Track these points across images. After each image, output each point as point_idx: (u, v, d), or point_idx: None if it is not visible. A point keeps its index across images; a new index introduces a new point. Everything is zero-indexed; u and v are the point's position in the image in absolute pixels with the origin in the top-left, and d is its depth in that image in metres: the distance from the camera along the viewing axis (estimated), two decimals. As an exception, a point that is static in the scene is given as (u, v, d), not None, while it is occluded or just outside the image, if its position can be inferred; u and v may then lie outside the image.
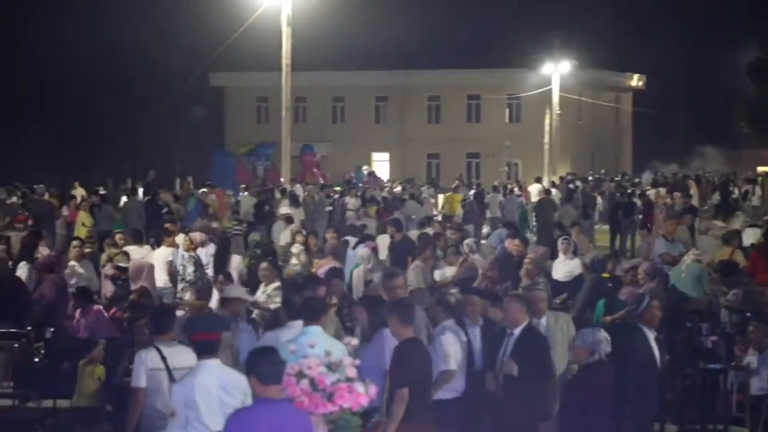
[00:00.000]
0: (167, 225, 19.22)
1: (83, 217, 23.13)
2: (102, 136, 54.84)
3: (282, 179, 36.03)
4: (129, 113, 54.23)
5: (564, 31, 53.81)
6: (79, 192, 32.38)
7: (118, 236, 18.28)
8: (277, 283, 14.12)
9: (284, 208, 26.45)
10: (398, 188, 39.64)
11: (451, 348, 10.07)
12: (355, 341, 8.62)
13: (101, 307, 13.67)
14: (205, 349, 7.76)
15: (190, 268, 16.16)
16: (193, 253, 16.48)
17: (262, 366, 6.90)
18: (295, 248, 18.79)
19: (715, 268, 16.16)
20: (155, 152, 52.52)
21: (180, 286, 16.21)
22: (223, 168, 40.30)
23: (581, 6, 61.63)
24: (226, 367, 7.83)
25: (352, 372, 7.90)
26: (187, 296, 15.67)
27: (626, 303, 12.85)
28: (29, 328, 13.91)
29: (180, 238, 17.48)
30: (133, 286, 14.90)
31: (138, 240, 18.50)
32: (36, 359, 12.88)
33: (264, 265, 14.97)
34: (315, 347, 7.93)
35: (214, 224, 23.09)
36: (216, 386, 7.65)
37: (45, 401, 11.95)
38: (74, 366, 12.07)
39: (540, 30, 53.30)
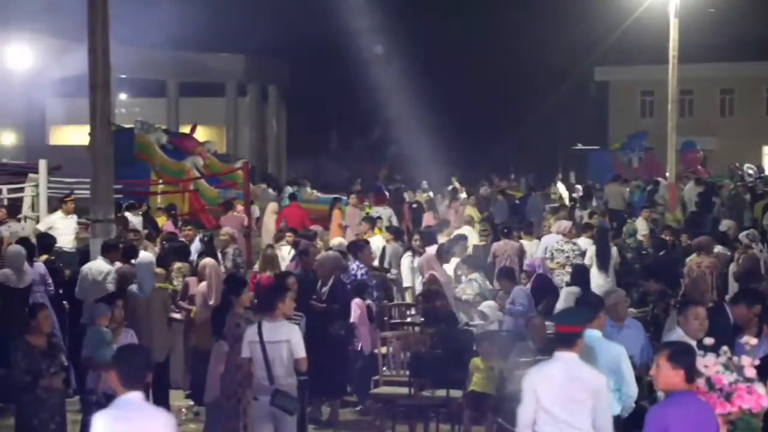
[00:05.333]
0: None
1: (471, 212, 23.65)
2: (487, 132, 55.97)
3: (667, 174, 35.32)
4: (515, 109, 55.06)
5: None
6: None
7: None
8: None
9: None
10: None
11: None
12: (754, 341, 8.29)
13: (369, 302, 13.85)
14: (563, 341, 7.74)
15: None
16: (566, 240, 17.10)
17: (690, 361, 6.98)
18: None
19: None
20: (537, 148, 53.01)
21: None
22: (599, 164, 40.17)
23: None
24: (582, 363, 7.75)
25: (751, 372, 7.63)
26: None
27: None
28: (422, 319, 14.46)
29: (554, 227, 18.19)
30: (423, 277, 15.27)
31: (529, 233, 19.20)
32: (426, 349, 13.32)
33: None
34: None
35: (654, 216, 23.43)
36: (563, 378, 7.63)
37: (438, 390, 12.28)
38: (463, 356, 12.38)
39: None
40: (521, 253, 18.22)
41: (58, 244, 16.80)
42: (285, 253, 17.16)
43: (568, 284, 15.45)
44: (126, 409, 6.34)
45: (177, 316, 13.90)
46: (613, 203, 29.03)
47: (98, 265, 13.61)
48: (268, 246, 16.99)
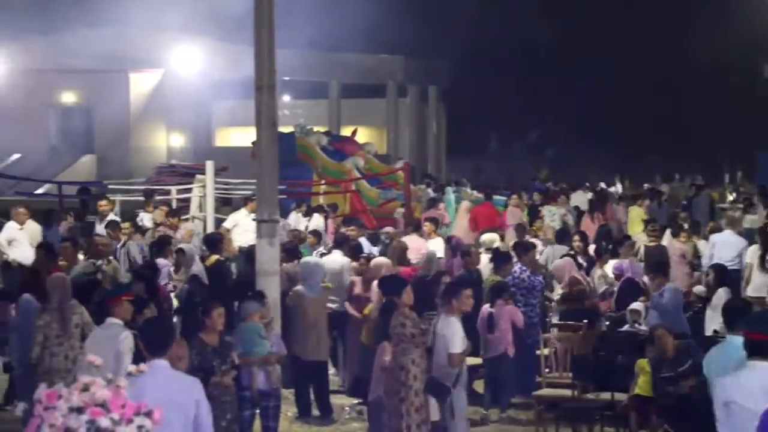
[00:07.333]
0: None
1: (639, 213, 23.29)
2: (649, 132, 55.00)
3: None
4: (678, 109, 53.95)
5: None
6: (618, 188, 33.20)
7: None
8: None
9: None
10: None
11: None
12: None
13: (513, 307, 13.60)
14: (756, 349, 7.28)
15: None
16: None
17: None
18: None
19: None
20: (701, 148, 51.80)
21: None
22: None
23: None
24: None
25: None
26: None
27: None
28: (585, 321, 14.28)
29: None
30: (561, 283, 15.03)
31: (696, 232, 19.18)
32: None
33: None
34: None
35: None
36: (758, 389, 7.15)
37: (603, 393, 12.10)
38: (629, 359, 12.17)
39: None
40: (686, 252, 17.81)
41: (242, 243, 17.13)
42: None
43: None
44: (151, 370, 6.91)
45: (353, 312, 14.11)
46: None
47: (335, 259, 14.48)
48: (397, 238, 17.08)
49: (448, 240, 17.12)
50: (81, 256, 14.88)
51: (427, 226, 18.30)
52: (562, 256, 15.75)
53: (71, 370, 10.70)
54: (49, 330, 10.95)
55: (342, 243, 15.54)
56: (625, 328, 13.76)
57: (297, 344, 12.92)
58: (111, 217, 18.08)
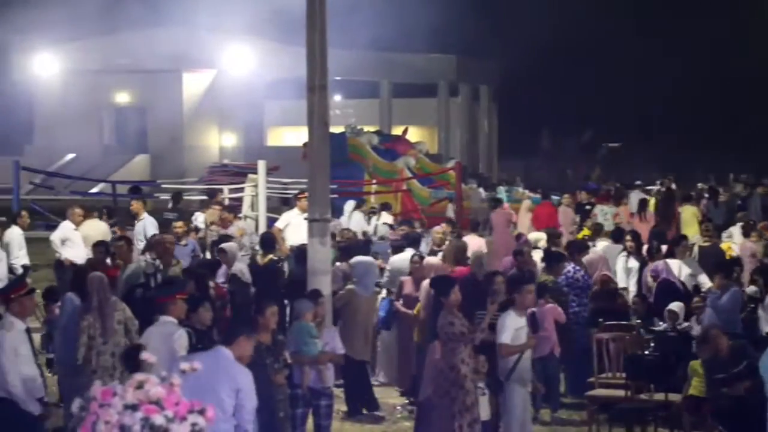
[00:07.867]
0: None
1: (693, 212, 23.07)
2: (709, 131, 54.53)
3: None
4: (733, 108, 53.45)
5: None
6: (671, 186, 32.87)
7: None
8: None
9: None
10: None
11: None
12: None
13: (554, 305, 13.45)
14: None
15: None
16: None
17: None
18: None
19: None
20: (755, 146, 51.32)
21: None
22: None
23: None
24: None
25: None
26: None
27: None
28: (638, 320, 14.21)
29: None
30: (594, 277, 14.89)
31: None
32: (646, 351, 13.05)
33: None
34: None
35: None
36: None
37: (657, 394, 12.03)
38: (683, 360, 12.08)
39: None
40: (757, 252, 17.74)
41: (295, 242, 17.11)
42: None
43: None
44: (213, 352, 7.98)
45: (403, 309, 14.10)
46: None
47: (406, 256, 14.68)
48: (457, 236, 17.01)
49: (518, 238, 17.03)
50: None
51: (445, 227, 18.27)
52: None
53: (117, 367, 10.78)
54: (93, 330, 11.02)
55: (415, 242, 15.62)
56: (662, 327, 13.63)
57: (346, 343, 12.92)
58: (143, 216, 18.06)
